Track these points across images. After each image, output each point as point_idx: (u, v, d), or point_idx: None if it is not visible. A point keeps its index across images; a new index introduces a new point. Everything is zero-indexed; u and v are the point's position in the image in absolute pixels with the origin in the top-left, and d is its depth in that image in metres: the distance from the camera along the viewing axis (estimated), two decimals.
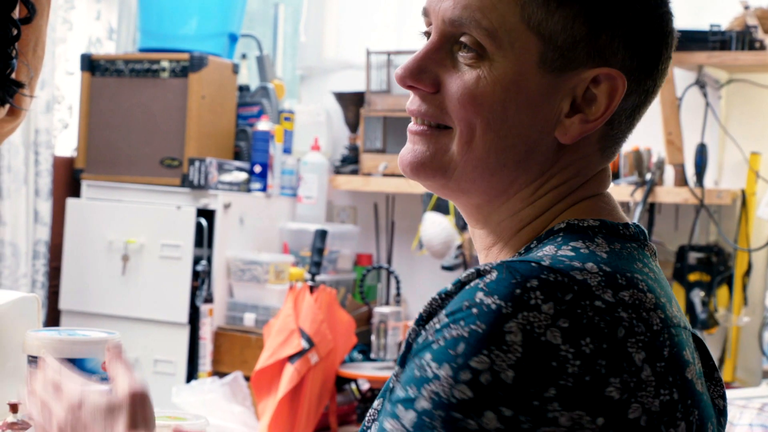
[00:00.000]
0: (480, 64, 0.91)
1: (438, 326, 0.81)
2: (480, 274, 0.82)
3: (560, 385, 0.78)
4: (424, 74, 0.93)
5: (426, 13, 0.96)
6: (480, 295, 0.80)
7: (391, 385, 0.86)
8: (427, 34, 0.96)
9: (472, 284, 0.82)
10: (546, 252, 0.87)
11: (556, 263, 0.83)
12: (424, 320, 0.85)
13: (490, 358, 0.78)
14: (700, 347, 0.94)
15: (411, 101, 0.96)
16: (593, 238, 0.90)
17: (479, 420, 0.77)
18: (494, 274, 0.81)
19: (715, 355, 3.59)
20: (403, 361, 0.85)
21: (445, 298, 0.84)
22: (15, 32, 1.31)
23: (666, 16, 0.95)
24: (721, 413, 0.96)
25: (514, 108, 0.91)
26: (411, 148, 0.96)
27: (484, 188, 0.94)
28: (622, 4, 0.92)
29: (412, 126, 0.96)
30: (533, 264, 0.82)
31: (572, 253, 0.86)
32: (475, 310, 0.80)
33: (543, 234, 0.92)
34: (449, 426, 0.77)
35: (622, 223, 0.94)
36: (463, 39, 0.92)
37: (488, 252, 0.98)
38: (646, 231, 0.96)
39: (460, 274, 0.85)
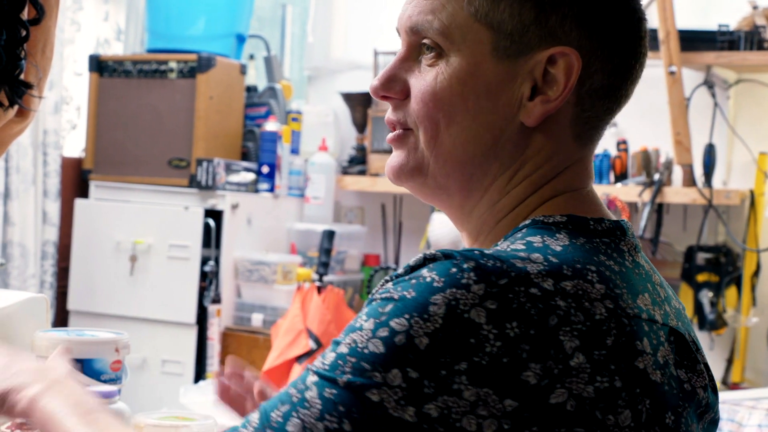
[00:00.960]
0: (438, 62, 0.95)
1: (382, 289, 0.87)
2: (427, 259, 0.86)
3: (473, 362, 0.81)
4: (394, 83, 0.98)
5: (398, 32, 1.01)
6: (424, 271, 0.85)
7: None
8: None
9: (420, 267, 0.87)
10: (500, 247, 0.90)
11: (499, 253, 0.86)
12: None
13: (410, 323, 0.82)
14: (679, 341, 0.94)
15: (387, 112, 1.01)
16: (555, 233, 0.91)
17: (385, 375, 0.81)
18: (440, 258, 0.86)
19: (723, 356, 3.58)
20: None
21: (394, 279, 0.88)
22: (24, 33, 1.32)
23: None
24: (709, 406, 0.96)
25: (473, 98, 0.94)
26: (392, 155, 1.01)
27: (460, 181, 0.97)
28: None
29: (388, 135, 1.01)
30: (475, 252, 0.86)
31: (523, 246, 0.89)
32: (413, 281, 0.84)
33: (510, 233, 0.94)
34: (357, 372, 0.82)
35: (594, 218, 0.95)
36: (424, 41, 0.96)
37: (473, 245, 1.00)
38: (628, 227, 0.97)
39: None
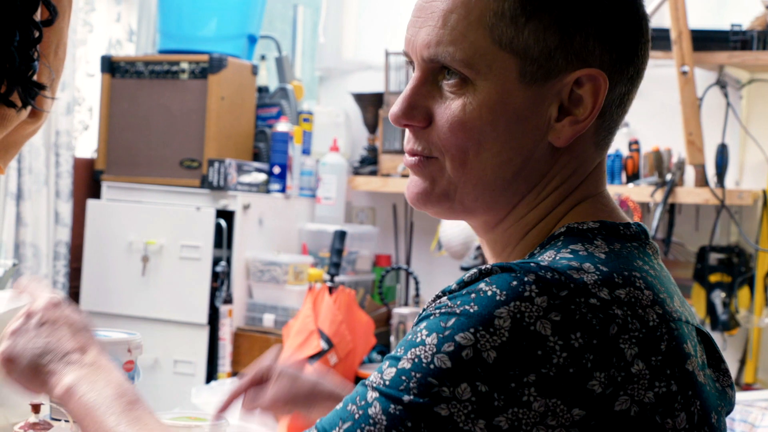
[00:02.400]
0: (464, 90, 0.94)
1: (439, 303, 0.86)
2: (482, 273, 0.86)
3: (542, 373, 0.81)
4: (415, 110, 0.97)
5: (406, 54, 1.00)
6: (482, 285, 0.85)
7: None
8: (412, 63, 1.00)
9: (476, 282, 0.87)
10: (546, 256, 0.90)
11: (554, 264, 0.87)
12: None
13: (476, 337, 0.82)
14: (705, 340, 0.96)
15: (406, 140, 1.00)
16: (592, 240, 0.92)
17: (454, 389, 0.81)
18: (497, 272, 0.86)
19: (736, 357, 3.57)
20: None
21: (447, 294, 0.88)
22: (37, 35, 1.32)
23: (635, 2, 0.97)
24: (732, 405, 0.98)
25: (503, 125, 0.94)
26: (412, 180, 1.00)
27: (489, 203, 0.97)
28: (588, 4, 0.94)
29: (407, 158, 1.00)
30: (532, 264, 0.86)
31: (570, 255, 0.89)
32: (473, 295, 0.85)
33: (545, 240, 0.95)
34: (422, 389, 0.82)
35: (622, 223, 0.96)
36: (446, 67, 0.95)
37: (498, 258, 1.01)
38: (648, 230, 0.99)
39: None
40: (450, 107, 0.95)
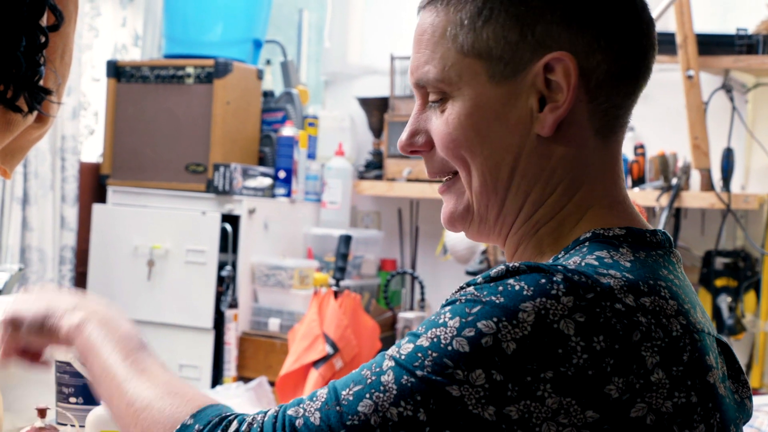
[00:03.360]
0: (445, 106, 0.98)
1: (465, 291, 0.87)
2: (509, 271, 0.86)
3: (560, 371, 0.82)
4: (417, 136, 1.01)
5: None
6: (511, 280, 0.85)
7: None
8: None
9: (502, 279, 0.87)
10: (571, 261, 0.90)
11: (581, 267, 0.87)
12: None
13: (498, 326, 0.82)
14: (726, 351, 0.96)
15: (426, 169, 1.03)
16: (618, 247, 0.92)
17: (468, 373, 0.82)
18: (524, 270, 0.86)
19: (742, 361, 3.56)
20: None
21: (470, 286, 0.88)
22: (43, 40, 1.32)
23: None
24: (748, 414, 0.98)
25: (485, 128, 0.95)
26: (443, 207, 1.03)
27: (497, 207, 0.98)
28: None
29: (438, 187, 1.04)
30: (560, 266, 0.86)
31: (596, 262, 0.89)
32: (500, 288, 0.85)
33: (570, 244, 0.94)
34: (437, 368, 0.82)
35: (649, 230, 0.95)
36: (430, 92, 0.99)
37: (512, 258, 1.01)
38: (671, 238, 0.98)
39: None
40: (437, 125, 0.98)
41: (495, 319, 0.83)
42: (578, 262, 0.89)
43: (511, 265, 0.87)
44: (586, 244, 0.93)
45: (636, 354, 0.83)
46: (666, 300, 0.88)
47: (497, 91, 0.95)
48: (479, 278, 0.88)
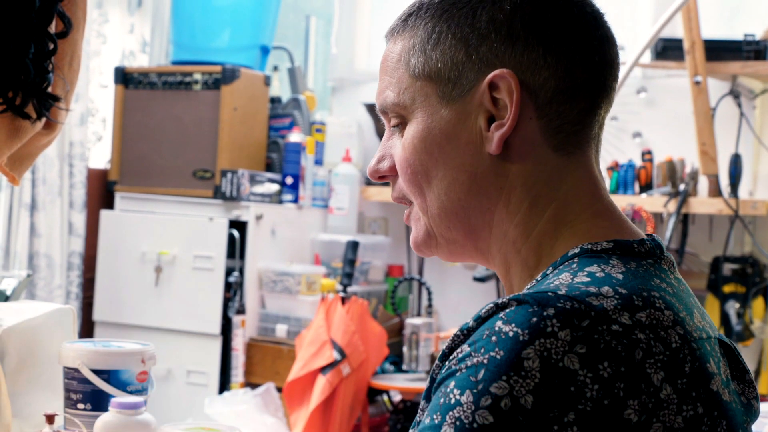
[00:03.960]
0: (402, 131, 1.00)
1: (460, 356, 0.84)
2: (499, 307, 0.85)
3: (579, 410, 0.80)
4: (383, 162, 1.04)
5: None
6: (499, 324, 0.83)
7: (418, 419, 0.90)
8: None
9: (492, 317, 0.85)
10: (562, 280, 0.89)
11: (572, 291, 0.86)
12: (446, 355, 0.88)
13: (509, 383, 0.80)
14: (729, 351, 0.95)
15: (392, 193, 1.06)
16: (608, 260, 0.91)
17: None
18: (513, 306, 0.84)
19: (751, 368, 3.55)
20: (428, 396, 0.89)
21: (467, 333, 0.86)
22: (51, 47, 1.33)
23: (555, 1, 0.97)
24: (755, 415, 0.97)
25: (437, 149, 0.97)
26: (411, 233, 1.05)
27: (463, 228, 0.99)
28: (493, 10, 0.95)
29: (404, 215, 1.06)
30: (549, 294, 0.85)
31: (588, 279, 0.88)
32: (494, 338, 0.83)
33: (558, 260, 0.94)
34: None
35: (636, 240, 0.95)
36: (391, 118, 1.02)
37: (505, 281, 1.01)
38: (662, 243, 0.97)
39: (485, 299, 0.87)
40: (396, 151, 1.01)
41: (505, 377, 0.81)
42: (569, 279, 0.88)
43: (500, 301, 0.85)
44: (576, 260, 0.92)
45: (642, 373, 0.83)
46: (662, 311, 0.87)
47: (447, 112, 0.97)
48: (471, 321, 0.86)
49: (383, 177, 1.04)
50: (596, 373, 0.81)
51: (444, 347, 0.88)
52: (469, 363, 0.83)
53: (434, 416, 0.83)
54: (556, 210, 0.96)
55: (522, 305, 0.84)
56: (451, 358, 0.86)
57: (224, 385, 3.70)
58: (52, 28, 1.34)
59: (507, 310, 0.84)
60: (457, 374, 0.83)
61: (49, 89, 1.36)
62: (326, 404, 3.38)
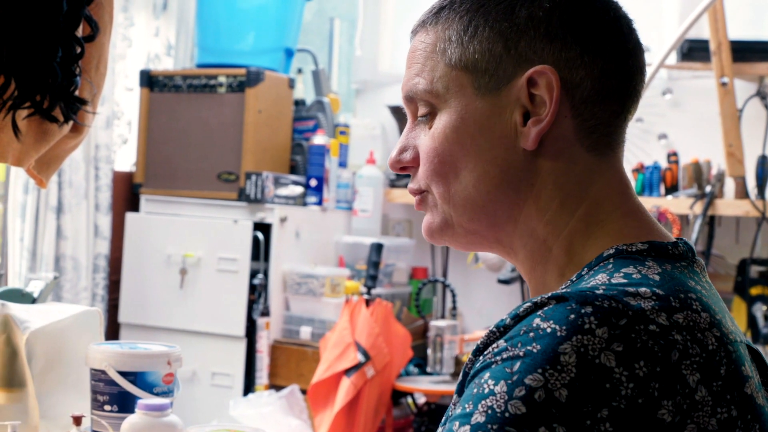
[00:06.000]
0: (432, 121, 1.00)
1: (496, 350, 0.85)
2: (537, 305, 0.85)
3: (613, 407, 0.80)
4: (405, 152, 1.03)
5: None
6: (537, 320, 0.84)
7: (449, 412, 0.89)
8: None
9: (530, 314, 0.85)
10: (599, 280, 0.89)
11: (610, 290, 0.86)
12: (480, 350, 0.88)
13: (545, 376, 0.81)
14: (757, 358, 0.96)
15: (409, 184, 1.05)
16: (644, 261, 0.91)
17: None
18: (551, 303, 0.85)
19: None
20: (461, 390, 0.89)
21: (503, 330, 0.86)
22: (79, 50, 1.33)
23: (591, 1, 0.98)
24: None
25: (470, 141, 0.97)
26: (424, 220, 1.04)
27: (486, 221, 0.99)
28: (533, 7, 0.96)
29: (415, 202, 1.05)
30: (588, 292, 0.85)
31: (624, 280, 0.88)
32: (531, 334, 0.83)
33: (593, 261, 0.94)
34: None
35: (670, 242, 0.95)
36: (419, 106, 1.01)
37: (530, 278, 1.01)
38: (693, 247, 0.97)
39: (518, 301, 0.86)
40: (423, 140, 1.00)
41: (540, 370, 0.81)
42: (606, 280, 0.89)
43: (539, 299, 0.86)
44: (611, 260, 0.92)
45: (677, 374, 0.83)
46: (698, 313, 0.87)
47: (482, 104, 0.96)
48: (507, 318, 0.86)
49: (405, 168, 1.04)
50: (632, 371, 0.81)
51: (479, 342, 0.88)
52: (505, 356, 0.83)
53: (466, 405, 0.83)
54: (588, 209, 0.96)
55: (561, 303, 0.84)
56: (486, 352, 0.86)
57: (249, 387, 3.70)
58: (80, 32, 1.34)
59: (545, 308, 0.84)
60: (492, 366, 0.84)
61: (77, 92, 1.37)
62: (350, 406, 3.38)
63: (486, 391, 0.82)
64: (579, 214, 0.96)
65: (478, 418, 0.81)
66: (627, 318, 0.83)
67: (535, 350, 0.82)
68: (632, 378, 0.81)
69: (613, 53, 0.97)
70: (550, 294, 0.86)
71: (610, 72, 0.96)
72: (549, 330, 0.82)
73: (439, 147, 0.98)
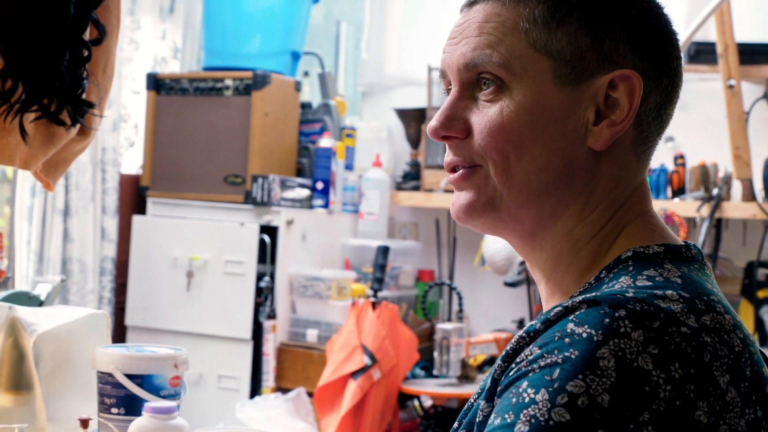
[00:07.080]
0: (500, 96, 0.96)
1: (531, 357, 0.84)
2: (568, 309, 0.85)
3: (653, 410, 0.80)
4: (454, 122, 0.99)
5: (443, 74, 1.02)
6: (570, 326, 0.83)
7: (478, 419, 0.89)
8: (449, 91, 1.02)
9: (562, 319, 0.85)
10: (623, 283, 0.89)
11: (639, 293, 0.86)
12: (510, 356, 0.87)
13: (586, 382, 0.80)
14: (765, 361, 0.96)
15: (446, 155, 1.01)
16: (662, 264, 0.92)
17: None
18: (583, 308, 0.84)
19: None
20: (490, 396, 0.88)
21: (533, 335, 0.86)
22: (86, 54, 1.34)
23: (663, 17, 1.00)
24: None
25: (541, 127, 0.95)
26: (457, 195, 1.00)
27: (535, 211, 0.97)
28: (618, 10, 0.96)
29: (450, 176, 1.01)
30: (619, 296, 0.85)
31: (649, 282, 0.88)
32: (567, 340, 0.83)
33: (611, 263, 0.94)
34: None
35: (683, 245, 0.96)
36: (483, 75, 0.97)
37: (549, 279, 1.00)
38: (701, 250, 0.98)
39: (540, 311, 0.86)
40: (488, 114, 0.96)
41: (581, 376, 0.80)
42: (630, 282, 0.89)
43: (570, 303, 0.85)
44: (630, 262, 0.93)
45: (709, 375, 0.83)
46: (722, 315, 0.88)
47: (559, 94, 0.95)
48: (537, 323, 0.86)
49: (447, 138, 0.99)
50: (668, 373, 0.81)
51: (507, 347, 0.87)
52: (542, 363, 0.83)
53: (506, 415, 0.82)
54: (622, 213, 0.98)
55: (593, 307, 0.84)
56: (518, 360, 0.85)
57: (255, 389, 3.71)
58: (87, 36, 1.35)
59: (578, 312, 0.84)
60: (530, 374, 0.83)
61: (84, 96, 1.37)
62: (357, 409, 3.38)
63: (527, 400, 0.81)
64: (615, 218, 0.97)
65: (522, 427, 0.80)
66: (660, 320, 0.83)
67: (573, 356, 0.81)
68: (669, 380, 0.81)
69: (672, 75, 0.99)
70: (581, 298, 0.85)
71: (667, 91, 0.98)
72: (585, 335, 0.82)
73: (507, 125, 0.95)
